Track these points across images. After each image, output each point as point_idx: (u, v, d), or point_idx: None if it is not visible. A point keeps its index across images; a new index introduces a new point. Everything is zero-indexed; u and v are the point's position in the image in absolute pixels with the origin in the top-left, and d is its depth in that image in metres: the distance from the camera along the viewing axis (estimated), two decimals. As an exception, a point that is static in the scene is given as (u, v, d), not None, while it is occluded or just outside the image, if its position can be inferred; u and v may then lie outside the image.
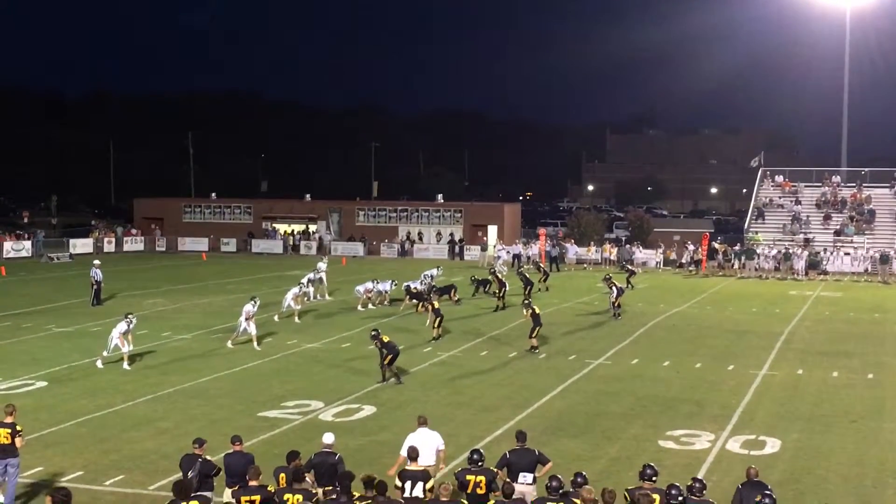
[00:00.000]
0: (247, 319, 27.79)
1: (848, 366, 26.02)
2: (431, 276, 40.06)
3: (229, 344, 27.83)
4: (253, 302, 28.66)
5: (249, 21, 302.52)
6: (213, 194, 73.88)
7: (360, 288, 37.06)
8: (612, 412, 20.55)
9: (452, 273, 47.32)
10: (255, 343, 27.73)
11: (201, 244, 65.72)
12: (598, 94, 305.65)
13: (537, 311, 27.88)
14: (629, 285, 42.56)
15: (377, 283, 37.55)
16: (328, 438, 13.72)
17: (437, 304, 30.25)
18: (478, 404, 21.23)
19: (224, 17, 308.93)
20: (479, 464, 12.83)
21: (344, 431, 17.96)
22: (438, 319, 29.51)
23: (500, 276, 38.14)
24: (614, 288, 35.10)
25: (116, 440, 18.16)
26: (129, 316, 25.62)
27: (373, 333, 23.52)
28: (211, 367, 24.87)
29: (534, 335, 27.51)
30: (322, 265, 40.23)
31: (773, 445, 18.05)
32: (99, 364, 24.83)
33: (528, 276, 39.75)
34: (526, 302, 28.92)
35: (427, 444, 14.15)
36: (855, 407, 21.22)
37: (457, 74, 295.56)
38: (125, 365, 24.61)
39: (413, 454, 13.22)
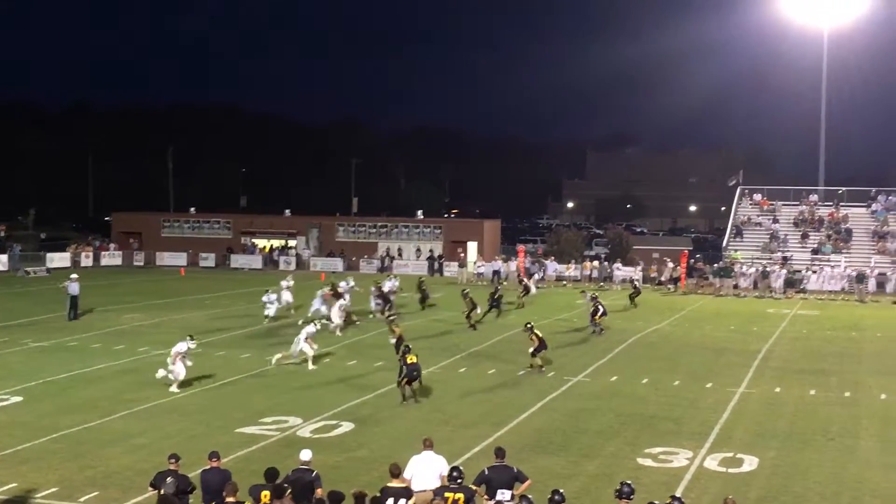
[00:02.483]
0: (306, 340, 27.31)
1: (825, 384, 26.14)
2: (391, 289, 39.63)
3: (272, 361, 27.31)
4: (314, 324, 28.51)
5: (231, 35, 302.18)
6: (192, 209, 73.58)
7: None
8: (591, 429, 20.56)
9: (433, 289, 47.20)
10: (310, 363, 27.15)
11: (180, 259, 65.37)
12: (578, 111, 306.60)
13: (540, 334, 27.47)
14: (633, 304, 42.70)
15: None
16: (305, 455, 13.64)
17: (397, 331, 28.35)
18: (457, 421, 21.20)
19: (206, 31, 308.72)
20: (458, 481, 12.80)
21: (322, 448, 17.87)
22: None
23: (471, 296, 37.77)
24: (600, 307, 35.17)
25: (92, 456, 18.01)
26: (190, 339, 24.92)
27: (404, 347, 23.47)
28: (188, 383, 24.70)
29: (538, 356, 27.12)
30: (284, 283, 39.71)
31: (750, 463, 18.09)
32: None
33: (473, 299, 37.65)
34: (528, 326, 28.30)
35: (430, 467, 13.87)
36: (832, 425, 21.31)
37: (438, 91, 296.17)
38: (174, 388, 23.76)
39: (395, 471, 13.12)
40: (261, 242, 69.18)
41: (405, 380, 22.59)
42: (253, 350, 29.96)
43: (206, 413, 21.58)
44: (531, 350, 27.23)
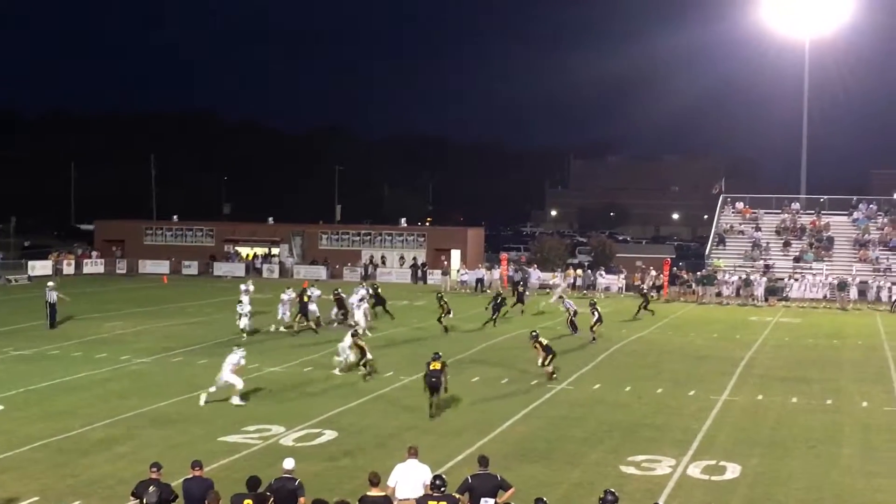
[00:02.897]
0: (232, 370, 27.23)
1: (807, 391, 26.24)
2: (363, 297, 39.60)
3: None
4: (237, 351, 28.33)
5: (214, 41, 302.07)
6: (175, 217, 73.37)
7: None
8: (574, 437, 20.58)
9: (416, 297, 47.25)
10: (235, 398, 26.99)
11: (162, 267, 65.18)
12: (561, 119, 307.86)
13: (545, 342, 27.39)
14: (648, 311, 42.97)
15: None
16: (288, 464, 13.59)
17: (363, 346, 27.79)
18: (440, 429, 21.17)
19: (187, 37, 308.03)
20: (442, 489, 12.78)
21: (305, 456, 17.82)
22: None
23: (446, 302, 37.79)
24: (596, 313, 35.41)
25: (74, 465, 17.92)
26: (238, 348, 24.60)
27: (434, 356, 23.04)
28: (171, 391, 24.62)
29: (548, 364, 26.94)
30: (244, 286, 39.42)
31: (733, 471, 18.14)
32: (202, 400, 23.07)
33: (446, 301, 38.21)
34: (533, 334, 28.27)
35: (414, 475, 13.75)
36: (814, 432, 21.39)
37: (422, 98, 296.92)
38: (236, 399, 23.16)
39: (374, 480, 13.07)
40: (244, 250, 69.04)
41: (427, 390, 22.32)
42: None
43: (189, 421, 21.50)
44: (539, 361, 27.10)
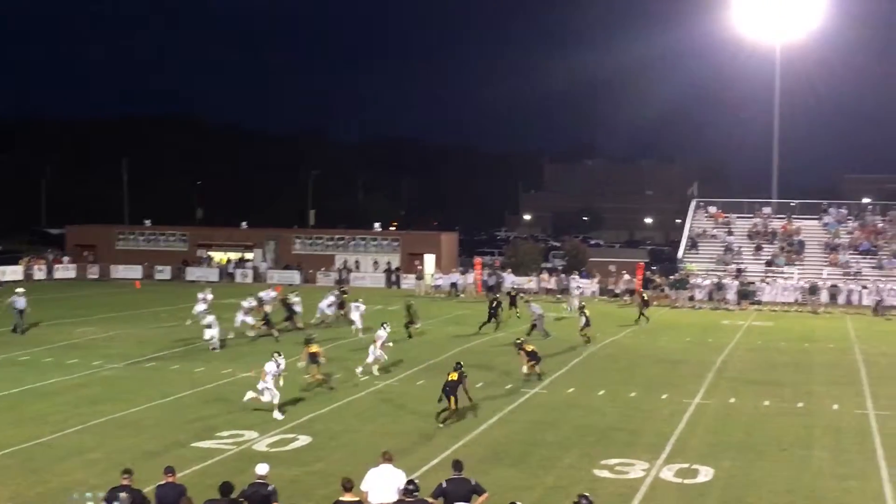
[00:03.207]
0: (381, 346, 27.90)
1: (779, 394, 26.42)
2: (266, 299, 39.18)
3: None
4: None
5: (188, 45, 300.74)
6: (148, 221, 72.98)
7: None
8: (548, 441, 20.62)
9: (389, 301, 47.17)
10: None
11: (135, 272, 64.76)
12: (535, 123, 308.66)
13: (529, 348, 27.73)
14: (644, 318, 43.04)
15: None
16: (262, 469, 13.54)
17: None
18: (414, 434, 21.16)
19: (162, 40, 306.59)
20: (414, 494, 12.77)
21: (278, 462, 17.77)
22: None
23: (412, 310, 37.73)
24: (583, 317, 35.69)
25: (45, 472, 17.78)
26: (278, 355, 23.56)
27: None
28: (143, 397, 24.49)
29: (534, 368, 27.40)
30: (201, 295, 39.26)
31: (706, 474, 18.23)
32: (248, 396, 22.87)
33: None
34: (518, 342, 28.33)
35: (388, 480, 13.72)
36: (786, 435, 21.54)
37: (396, 102, 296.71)
38: (277, 413, 22.37)
39: (347, 485, 13.05)
40: (217, 255, 68.71)
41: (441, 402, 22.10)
42: (208, 364, 29.74)
43: (161, 427, 21.39)
44: (525, 368, 27.41)
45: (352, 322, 37.18)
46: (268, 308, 37.38)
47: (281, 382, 23.17)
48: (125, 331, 37.61)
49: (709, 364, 31.52)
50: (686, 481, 17.80)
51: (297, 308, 39.30)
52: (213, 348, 31.99)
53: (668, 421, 22.80)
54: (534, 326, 36.78)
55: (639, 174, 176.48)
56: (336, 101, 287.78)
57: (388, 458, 14.13)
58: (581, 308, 37.02)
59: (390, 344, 29.51)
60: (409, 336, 36.37)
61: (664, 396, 25.79)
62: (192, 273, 64.87)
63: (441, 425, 21.74)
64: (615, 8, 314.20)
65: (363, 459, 17.48)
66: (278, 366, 23.05)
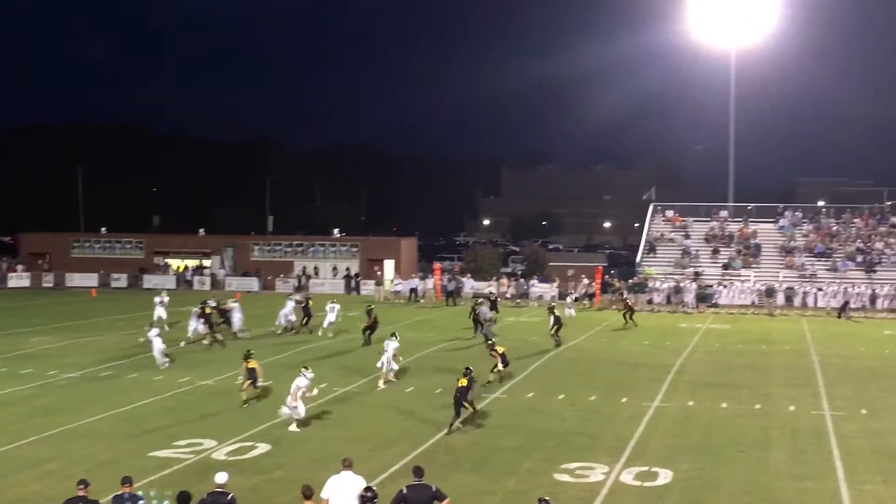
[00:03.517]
0: (393, 356, 27.90)
1: (736, 396, 26.64)
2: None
3: (381, 384, 27.57)
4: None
5: (142, 52, 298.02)
6: (103, 229, 72.30)
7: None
8: (509, 446, 20.63)
9: (349, 308, 46.98)
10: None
11: (90, 280, 64.11)
12: (493, 129, 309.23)
13: (501, 350, 28.10)
14: (632, 322, 43.22)
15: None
16: (221, 478, 13.42)
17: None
18: (374, 440, 21.10)
19: (116, 47, 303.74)
20: (374, 501, 12.72)
21: (238, 470, 17.64)
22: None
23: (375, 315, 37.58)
24: (552, 317, 36.37)
25: (0, 483, 17.52)
26: (306, 369, 22.92)
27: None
28: (100, 407, 24.20)
29: (499, 369, 27.73)
30: (158, 298, 40.27)
31: (665, 476, 18.33)
32: (283, 411, 22.10)
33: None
34: (490, 342, 29.13)
35: (349, 487, 13.64)
36: (743, 437, 21.71)
37: (353, 108, 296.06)
38: (294, 427, 21.91)
39: (307, 493, 12.98)
40: (174, 262, 68.20)
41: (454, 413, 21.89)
42: (166, 372, 29.47)
43: (118, 437, 21.15)
44: (493, 367, 27.64)
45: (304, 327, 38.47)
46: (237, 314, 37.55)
47: (315, 391, 22.81)
48: (81, 340, 37.17)
49: (667, 367, 31.72)
50: (646, 484, 17.88)
51: (235, 315, 38.58)
52: (163, 365, 30.31)
53: (627, 424, 22.90)
54: (479, 327, 37.08)
55: (596, 179, 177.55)
56: (293, 108, 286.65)
57: (347, 464, 14.07)
58: (551, 309, 37.36)
59: (400, 358, 29.43)
60: (368, 343, 35.58)
61: (624, 400, 25.91)
62: (149, 281, 64.32)
63: (459, 425, 21.84)
64: (572, 14, 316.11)
65: (323, 466, 17.40)
66: (309, 380, 22.36)
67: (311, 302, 41.23)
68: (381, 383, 23.04)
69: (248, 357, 25.43)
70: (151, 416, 23.29)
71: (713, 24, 66.24)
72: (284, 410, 22.15)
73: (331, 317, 38.35)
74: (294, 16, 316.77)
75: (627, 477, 18.30)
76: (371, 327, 36.30)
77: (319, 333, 38.30)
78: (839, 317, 48.94)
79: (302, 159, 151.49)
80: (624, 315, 44.11)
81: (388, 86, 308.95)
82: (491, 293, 47.94)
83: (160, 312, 39.57)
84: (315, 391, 23.01)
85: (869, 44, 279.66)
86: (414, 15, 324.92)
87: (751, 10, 64.84)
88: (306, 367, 23.08)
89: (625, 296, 49.12)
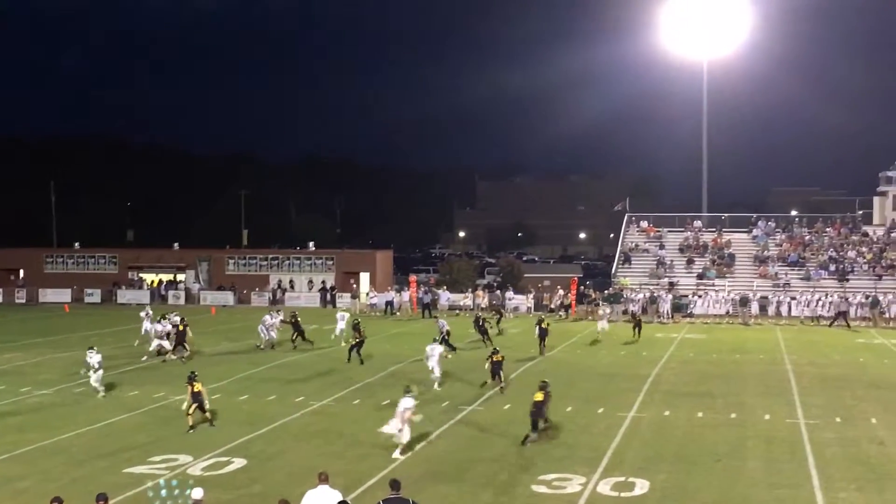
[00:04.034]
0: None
1: (712, 406, 26.74)
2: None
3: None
4: (409, 393, 27.23)
5: (115, 65, 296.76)
6: (77, 244, 71.88)
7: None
8: (486, 458, 20.60)
9: (325, 321, 46.84)
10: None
11: (64, 295, 63.70)
12: (467, 141, 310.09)
13: (498, 358, 29.16)
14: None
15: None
16: (197, 493, 13.36)
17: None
18: (351, 453, 21.02)
19: (89, 60, 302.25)
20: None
21: (214, 485, 17.54)
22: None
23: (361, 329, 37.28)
24: (538, 328, 37.32)
25: (-29, 502, 17.33)
26: (408, 391, 21.96)
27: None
28: (73, 423, 24.01)
29: (495, 379, 28.95)
30: (143, 313, 40.66)
31: (641, 487, 18.36)
32: (386, 429, 20.99)
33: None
34: (491, 352, 29.81)
35: (325, 501, 13.64)
36: (719, 446, 21.79)
37: (328, 121, 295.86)
38: (397, 453, 20.64)
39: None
40: (149, 277, 67.87)
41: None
42: (141, 387, 29.27)
43: (93, 453, 20.97)
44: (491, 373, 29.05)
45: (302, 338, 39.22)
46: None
47: (417, 418, 21.41)
48: (54, 356, 36.89)
49: (643, 377, 31.80)
50: (623, 494, 17.90)
51: (144, 326, 38.53)
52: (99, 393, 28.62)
53: (604, 435, 22.93)
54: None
55: (571, 190, 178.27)
56: (269, 121, 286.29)
57: (324, 478, 14.04)
58: (539, 322, 37.80)
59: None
60: (349, 360, 34.62)
61: (600, 410, 25.95)
62: (124, 295, 63.95)
63: (530, 438, 21.73)
64: (546, 24, 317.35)
65: (300, 481, 17.34)
66: (414, 398, 21.51)
67: (298, 318, 40.77)
68: (397, 453, 20.41)
69: (192, 380, 23.94)
70: (126, 432, 23.12)
71: (686, 35, 66.76)
72: (387, 429, 21.04)
73: (341, 325, 39.60)
74: (269, 29, 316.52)
75: (604, 487, 18.32)
76: (359, 344, 34.87)
77: (332, 338, 39.00)
78: (830, 325, 49.09)
79: (277, 172, 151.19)
80: (633, 328, 43.81)
81: (364, 98, 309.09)
82: (495, 304, 48.61)
83: (147, 326, 39.17)
84: (419, 416, 21.61)
85: (840, 55, 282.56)
86: (388, 27, 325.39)
87: (723, 21, 65.39)
88: (410, 388, 22.06)
89: (633, 309, 49.06)
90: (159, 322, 37.48)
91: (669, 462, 20.28)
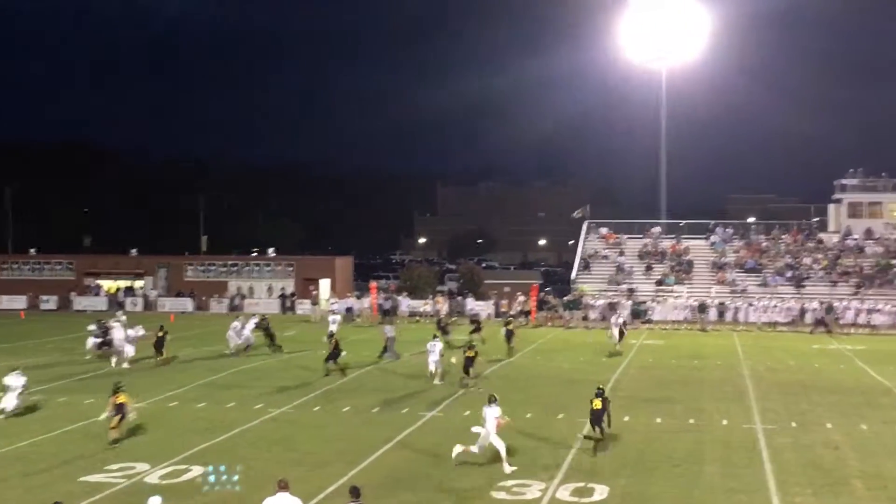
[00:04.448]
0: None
1: (670, 412, 26.92)
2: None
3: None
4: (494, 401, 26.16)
5: (76, 68, 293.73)
6: (33, 250, 71.03)
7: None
8: (445, 464, 20.59)
9: (285, 327, 46.65)
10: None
11: (19, 302, 62.89)
12: (428, 147, 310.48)
13: (471, 354, 30.74)
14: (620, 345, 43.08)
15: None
16: (155, 502, 13.25)
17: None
18: (310, 460, 20.94)
19: (47, 65, 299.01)
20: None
21: (172, 494, 17.40)
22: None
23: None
24: (504, 329, 38.15)
25: (-77, 512, 17.07)
26: (495, 397, 21.00)
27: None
28: (28, 431, 23.71)
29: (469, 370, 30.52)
30: (115, 322, 39.14)
31: (601, 492, 18.44)
32: (455, 453, 20.35)
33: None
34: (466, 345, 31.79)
35: None
36: (677, 452, 21.94)
37: (288, 127, 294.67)
38: (507, 467, 19.88)
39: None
40: (106, 283, 67.18)
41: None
42: (97, 395, 28.91)
43: (49, 461, 20.72)
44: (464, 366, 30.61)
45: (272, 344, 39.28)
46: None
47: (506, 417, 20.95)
48: (8, 363, 36.20)
49: (603, 383, 31.72)
50: (582, 500, 17.97)
51: (116, 335, 37.31)
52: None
53: (564, 441, 23.00)
54: (385, 349, 37.04)
55: (531, 197, 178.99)
56: (229, 127, 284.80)
57: (283, 486, 14.00)
58: (507, 324, 38.12)
59: (453, 360, 31.89)
60: (327, 374, 32.92)
61: (560, 416, 26.04)
62: (80, 302, 63.26)
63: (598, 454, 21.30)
64: (506, 33, 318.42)
65: (258, 488, 17.24)
66: (500, 411, 20.64)
67: (269, 323, 40.64)
68: (508, 468, 19.67)
69: (116, 391, 22.71)
70: (82, 440, 22.86)
71: (645, 43, 67.27)
72: (474, 449, 20.29)
73: (333, 328, 40.13)
74: (232, 35, 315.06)
75: (564, 493, 18.38)
76: (333, 355, 33.38)
77: (324, 340, 38.40)
78: (811, 332, 49.42)
79: (237, 178, 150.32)
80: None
81: (325, 104, 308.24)
82: (476, 314, 48.83)
83: (119, 335, 37.92)
84: (506, 419, 20.99)
85: (796, 64, 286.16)
86: (352, 34, 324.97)
87: (681, 29, 65.99)
88: (494, 396, 21.07)
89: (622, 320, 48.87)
90: (133, 328, 37.03)
91: (629, 467, 20.39)
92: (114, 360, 35.93)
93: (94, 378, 32.63)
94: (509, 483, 18.97)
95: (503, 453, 20.12)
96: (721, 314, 53.69)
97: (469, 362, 30.39)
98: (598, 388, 22.35)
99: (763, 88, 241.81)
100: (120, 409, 22.30)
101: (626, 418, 25.89)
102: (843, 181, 67.62)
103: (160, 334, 36.17)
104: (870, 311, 51.93)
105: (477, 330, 43.48)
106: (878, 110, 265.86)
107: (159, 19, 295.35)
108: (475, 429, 20.71)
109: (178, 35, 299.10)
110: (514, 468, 19.86)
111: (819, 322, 50.51)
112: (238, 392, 29.39)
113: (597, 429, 21.62)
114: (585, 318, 53.79)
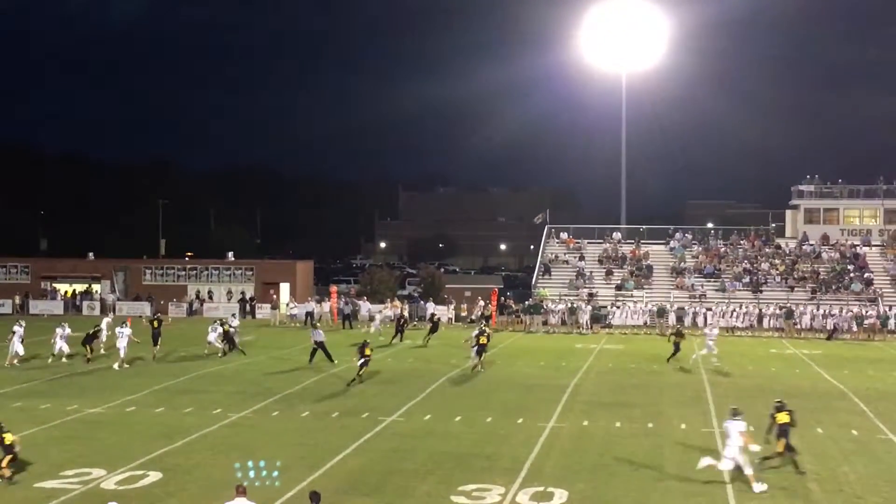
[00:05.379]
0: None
1: (630, 416, 27.04)
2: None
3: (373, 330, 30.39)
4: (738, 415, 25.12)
5: (30, 70, 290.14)
6: (-13, 254, 70.23)
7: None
8: (405, 469, 20.55)
9: (245, 332, 46.36)
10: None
11: (-27, 306, 62.02)
12: (389, 151, 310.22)
13: (483, 341, 33.66)
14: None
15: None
16: (111, 508, 13.09)
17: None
18: (269, 466, 20.76)
19: (4, 67, 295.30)
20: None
21: (128, 500, 17.24)
22: None
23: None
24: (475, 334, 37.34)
25: None
26: (740, 411, 20.19)
27: None
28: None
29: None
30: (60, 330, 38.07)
31: (560, 496, 18.47)
32: (702, 464, 19.70)
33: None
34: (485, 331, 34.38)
35: None
36: (636, 456, 22.03)
37: (248, 130, 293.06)
38: (758, 486, 18.98)
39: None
40: (62, 287, 66.45)
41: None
42: (52, 400, 28.60)
43: (2, 468, 20.38)
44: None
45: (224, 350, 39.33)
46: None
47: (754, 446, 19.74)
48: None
49: (563, 388, 32.04)
50: (541, 504, 18.01)
51: (57, 341, 37.16)
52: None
53: (523, 445, 23.03)
54: (314, 352, 36.57)
55: (492, 201, 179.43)
56: (188, 129, 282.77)
57: (242, 491, 13.90)
58: (482, 333, 37.18)
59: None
60: (359, 379, 32.10)
61: (520, 421, 26.07)
62: (36, 306, 62.51)
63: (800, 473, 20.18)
64: (466, 38, 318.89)
65: (217, 494, 17.11)
66: (745, 424, 19.72)
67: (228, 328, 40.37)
68: (759, 487, 18.73)
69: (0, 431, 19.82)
70: (37, 446, 22.52)
71: (605, 48, 67.71)
72: (721, 466, 19.55)
73: (212, 336, 39.89)
74: (191, 36, 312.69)
75: (523, 497, 18.40)
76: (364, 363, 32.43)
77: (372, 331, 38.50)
78: (828, 338, 49.72)
79: (196, 181, 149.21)
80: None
81: (285, 108, 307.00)
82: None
83: (62, 345, 37.36)
84: (756, 446, 19.83)
85: (754, 71, 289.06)
86: (309, 38, 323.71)
87: (641, 35, 66.51)
88: (738, 410, 20.19)
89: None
90: (121, 326, 36.93)
91: (588, 471, 20.45)
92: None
93: (50, 382, 32.17)
94: (469, 488, 18.95)
95: (750, 472, 19.12)
96: (680, 319, 54.01)
97: (482, 348, 33.80)
98: (779, 402, 21.06)
99: (722, 94, 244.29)
100: (8, 450, 19.57)
101: (586, 423, 26.00)
102: (801, 187, 68.39)
103: (155, 324, 36.82)
104: (825, 316, 52.51)
105: (434, 331, 43.66)
106: (835, 117, 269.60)
107: (110, 20, 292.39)
108: (705, 460, 19.72)
109: (131, 36, 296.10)
110: (765, 487, 18.84)
111: (834, 331, 50.70)
112: (196, 397, 29.14)
113: (783, 441, 20.20)
114: (546, 323, 53.96)
